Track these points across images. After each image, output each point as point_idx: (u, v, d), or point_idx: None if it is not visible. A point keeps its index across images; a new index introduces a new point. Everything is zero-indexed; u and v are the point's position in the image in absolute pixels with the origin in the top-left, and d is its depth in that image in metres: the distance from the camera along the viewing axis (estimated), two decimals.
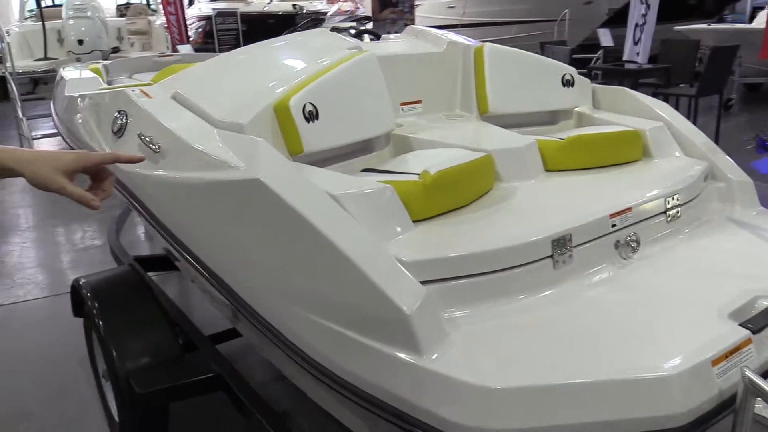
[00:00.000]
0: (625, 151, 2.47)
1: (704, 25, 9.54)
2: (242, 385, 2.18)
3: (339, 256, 1.54)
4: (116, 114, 2.36)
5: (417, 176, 1.94)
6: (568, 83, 2.81)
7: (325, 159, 2.24)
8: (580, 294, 1.77)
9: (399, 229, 1.77)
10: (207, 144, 1.92)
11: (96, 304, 2.42)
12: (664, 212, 2.13)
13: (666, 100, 6.63)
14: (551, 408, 1.38)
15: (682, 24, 10.01)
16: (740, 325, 1.62)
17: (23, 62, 8.98)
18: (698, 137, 2.61)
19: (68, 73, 3.35)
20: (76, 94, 2.88)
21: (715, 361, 1.50)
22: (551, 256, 1.80)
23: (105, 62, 4.17)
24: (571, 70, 2.83)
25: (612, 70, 7.29)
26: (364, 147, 2.39)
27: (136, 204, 2.26)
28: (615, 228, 1.96)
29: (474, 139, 2.33)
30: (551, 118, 2.89)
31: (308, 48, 2.48)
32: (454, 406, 1.39)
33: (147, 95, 2.31)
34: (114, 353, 2.31)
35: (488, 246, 1.71)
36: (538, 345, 1.53)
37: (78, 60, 8.25)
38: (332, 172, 1.94)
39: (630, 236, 1.98)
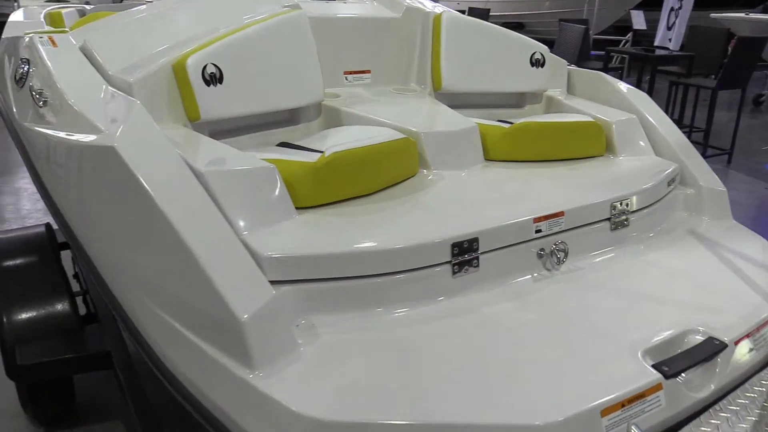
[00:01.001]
0: (582, 144, 2.19)
1: (741, 14, 8.93)
2: (126, 368, 1.99)
3: (179, 243, 1.32)
4: (20, 61, 2.15)
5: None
6: (537, 63, 2.51)
7: (237, 128, 2.01)
8: (478, 309, 1.52)
9: (273, 215, 1.53)
10: (86, 103, 1.70)
11: None
12: (609, 219, 1.86)
13: (685, 91, 6.22)
14: None
15: (722, 11, 9.41)
16: (654, 365, 1.36)
17: (34, 2, 8.83)
18: (674, 135, 2.30)
19: (16, 15, 3.15)
20: (3, 38, 2.67)
21: (607, 411, 1.25)
22: (450, 262, 1.55)
23: (86, 6, 3.96)
24: (542, 49, 2.53)
25: (632, 54, 6.84)
26: (289, 117, 2.15)
27: (26, 162, 2.06)
28: (540, 234, 1.70)
29: (410, 118, 2.07)
30: (517, 100, 2.60)
31: (236, 2, 2.22)
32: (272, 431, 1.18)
33: (53, 43, 2.09)
34: (3, 319, 2.14)
35: (369, 246, 1.47)
36: (399, 370, 1.30)
37: (87, 3, 8.07)
38: (222, 144, 1.71)
39: (557, 245, 1.72)
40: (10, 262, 2.25)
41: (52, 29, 2.31)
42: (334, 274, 1.44)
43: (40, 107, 1.87)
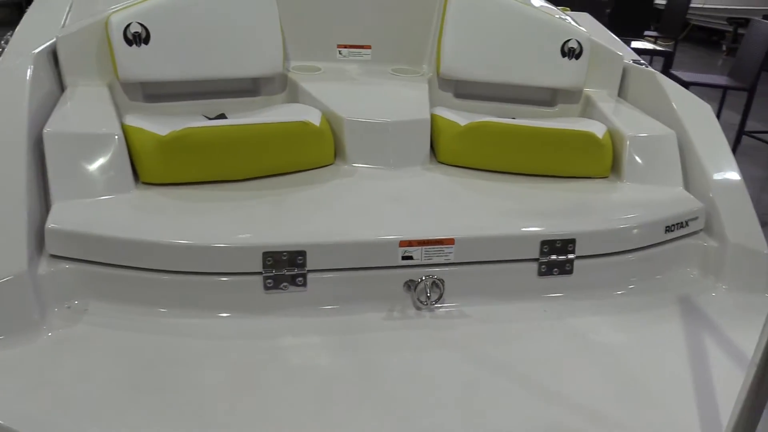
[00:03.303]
0: (565, 158, 1.71)
1: None
2: None
3: None
4: None
5: None
6: (571, 53, 2.02)
7: (180, 93, 1.91)
8: (271, 338, 1.26)
9: (102, 186, 1.42)
10: (11, 53, 1.73)
11: None
12: (536, 260, 1.43)
13: None
14: None
15: None
16: None
17: None
18: (721, 166, 1.70)
19: None
20: None
21: None
22: (261, 274, 1.30)
23: None
24: (580, 36, 2.02)
25: None
26: (250, 88, 2.00)
27: None
28: (411, 263, 1.36)
29: (354, 102, 1.79)
30: (549, 97, 2.13)
31: None
32: None
33: None
34: None
35: (162, 237, 1.29)
36: (111, 382, 1.12)
37: None
38: (105, 107, 1.62)
39: (429, 279, 1.35)
40: None
41: None
42: (117, 260, 1.29)
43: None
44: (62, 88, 1.76)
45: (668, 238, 1.55)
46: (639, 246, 1.50)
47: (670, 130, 1.78)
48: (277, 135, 1.56)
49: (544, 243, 1.42)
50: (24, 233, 1.26)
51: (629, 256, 1.49)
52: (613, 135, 1.79)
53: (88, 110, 1.58)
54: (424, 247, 1.35)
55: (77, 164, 1.42)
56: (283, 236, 1.31)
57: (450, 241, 1.36)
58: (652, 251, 1.52)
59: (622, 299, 1.46)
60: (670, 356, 1.29)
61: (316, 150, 1.63)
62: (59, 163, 1.41)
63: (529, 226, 1.43)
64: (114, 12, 1.76)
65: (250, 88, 1.99)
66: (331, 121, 1.72)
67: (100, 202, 1.40)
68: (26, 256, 1.24)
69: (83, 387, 1.10)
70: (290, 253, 1.30)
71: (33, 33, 1.83)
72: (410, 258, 1.35)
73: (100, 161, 1.44)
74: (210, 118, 1.83)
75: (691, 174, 1.72)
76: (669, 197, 1.63)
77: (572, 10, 2.56)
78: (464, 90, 2.09)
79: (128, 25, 1.75)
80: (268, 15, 1.91)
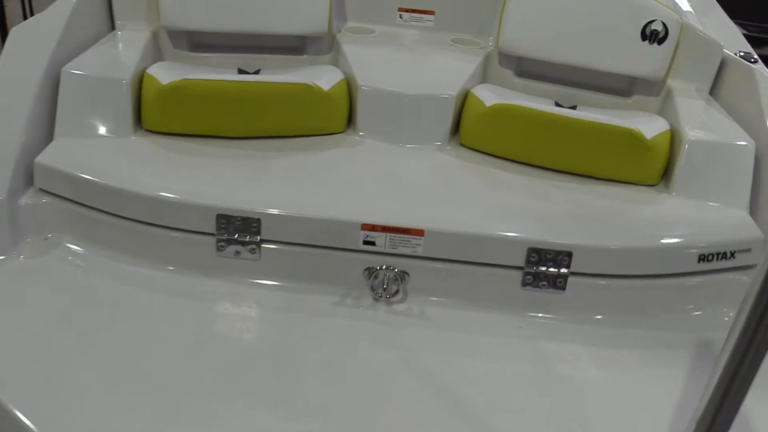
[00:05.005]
0: (600, 158, 1.47)
1: None
2: None
3: None
4: None
5: None
6: (654, 37, 1.72)
7: (227, 45, 1.90)
8: (209, 301, 1.22)
9: (101, 128, 1.46)
10: None
11: None
12: (521, 269, 1.25)
13: None
14: None
15: None
16: None
17: None
18: None
19: None
20: None
21: None
22: (214, 236, 1.26)
23: None
24: (668, 18, 1.71)
25: None
26: (297, 46, 1.94)
27: None
28: (372, 249, 1.25)
29: (393, 71, 1.67)
30: (625, 86, 1.84)
31: None
32: None
33: None
34: None
35: (132, 185, 1.29)
36: (41, 319, 1.16)
37: None
38: (131, 53, 1.64)
39: (390, 271, 1.23)
40: None
41: None
42: (88, 201, 1.32)
43: None
44: (113, 30, 1.82)
45: (702, 269, 1.28)
46: (657, 273, 1.26)
47: (749, 139, 1.46)
48: (277, 95, 1.50)
49: (532, 251, 1.23)
50: (11, 164, 1.33)
51: (641, 282, 1.26)
52: (675, 137, 1.51)
53: (113, 54, 1.62)
54: (388, 234, 1.23)
55: (84, 105, 1.47)
56: (240, 201, 1.26)
57: (419, 232, 1.23)
58: (675, 281, 1.27)
59: (622, 332, 1.23)
60: (649, 411, 1.07)
61: (320, 115, 1.55)
62: (68, 102, 1.46)
63: (518, 230, 1.25)
64: None
65: (296, 46, 1.93)
66: (351, 87, 1.62)
67: (97, 143, 1.44)
68: (7, 186, 1.30)
69: (24, 315, 1.14)
70: (244, 219, 1.24)
71: None
72: (372, 243, 1.24)
73: (105, 104, 1.47)
74: (247, 73, 1.80)
75: (763, 197, 1.41)
76: (721, 220, 1.35)
77: None
78: (527, 68, 1.88)
79: None
80: None
